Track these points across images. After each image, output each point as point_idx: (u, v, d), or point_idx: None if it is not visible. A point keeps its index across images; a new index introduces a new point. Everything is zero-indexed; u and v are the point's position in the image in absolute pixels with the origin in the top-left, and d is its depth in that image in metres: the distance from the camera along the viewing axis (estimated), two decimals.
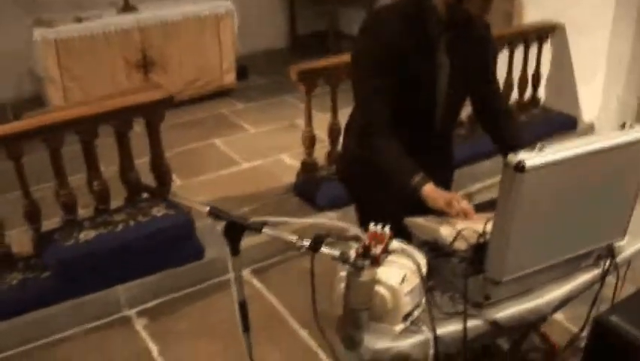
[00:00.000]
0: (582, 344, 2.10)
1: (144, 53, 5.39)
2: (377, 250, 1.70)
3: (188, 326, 3.26)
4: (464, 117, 4.41)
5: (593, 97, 5.02)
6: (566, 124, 5.03)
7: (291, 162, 4.78)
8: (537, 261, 1.83)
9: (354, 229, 1.71)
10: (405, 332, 1.76)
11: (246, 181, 4.55)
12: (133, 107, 3.29)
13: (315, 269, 1.67)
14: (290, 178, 4.40)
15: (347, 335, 1.74)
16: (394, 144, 2.16)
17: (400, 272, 1.72)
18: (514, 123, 2.46)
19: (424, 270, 1.78)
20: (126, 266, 3.26)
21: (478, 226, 1.96)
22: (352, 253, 1.68)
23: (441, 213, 2.07)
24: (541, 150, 1.60)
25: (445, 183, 2.56)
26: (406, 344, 1.75)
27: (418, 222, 2.04)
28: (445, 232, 1.93)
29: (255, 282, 3.57)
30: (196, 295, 3.46)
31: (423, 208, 2.12)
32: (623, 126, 1.76)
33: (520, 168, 1.55)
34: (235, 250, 1.65)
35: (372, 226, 1.78)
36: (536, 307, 1.92)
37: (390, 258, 1.75)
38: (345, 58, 4.00)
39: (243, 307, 1.74)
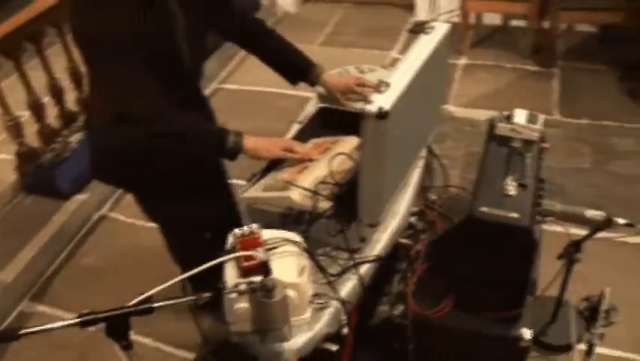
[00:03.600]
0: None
1: None
2: (261, 254, 1.53)
3: None
4: None
5: None
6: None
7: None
8: (397, 184, 1.83)
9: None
10: (315, 314, 1.67)
11: None
12: None
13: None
14: (9, 175, 3.74)
15: (270, 354, 1.60)
16: (182, 113, 1.86)
17: (292, 263, 1.59)
18: (271, 32, 2.26)
19: (305, 246, 1.67)
20: None
21: (319, 169, 1.86)
22: (234, 272, 1.51)
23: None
24: (385, 87, 1.53)
25: None
26: (322, 325, 1.67)
27: (261, 197, 1.87)
28: (296, 196, 1.79)
29: (41, 307, 3.09)
30: None
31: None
32: (424, 29, 1.75)
33: (382, 115, 1.46)
34: (127, 345, 1.34)
35: (237, 231, 1.59)
36: (401, 222, 1.95)
37: (271, 253, 1.59)
38: (18, 20, 3.42)
39: None
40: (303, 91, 2.35)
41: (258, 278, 1.47)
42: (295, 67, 2.23)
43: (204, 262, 1.47)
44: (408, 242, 2.15)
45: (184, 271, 1.89)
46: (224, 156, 1.89)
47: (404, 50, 4.55)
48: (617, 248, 2.95)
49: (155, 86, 1.80)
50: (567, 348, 2.50)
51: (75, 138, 3.75)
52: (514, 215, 1.75)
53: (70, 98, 3.98)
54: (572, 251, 2.20)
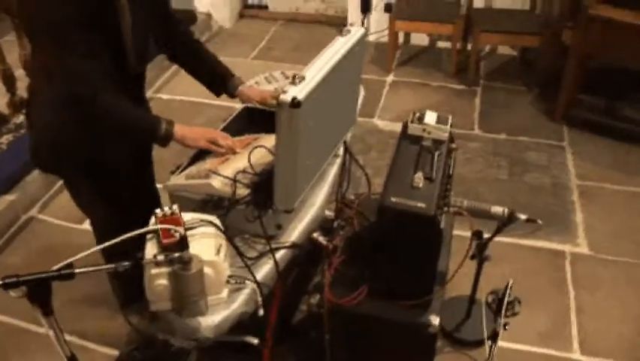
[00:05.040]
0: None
1: None
2: (179, 230, 1.62)
3: None
4: None
5: None
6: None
7: None
8: (312, 175, 1.94)
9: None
10: (231, 294, 1.76)
11: None
12: None
13: None
14: None
15: (188, 328, 1.68)
16: (122, 99, 1.97)
17: (210, 242, 1.68)
18: (202, 48, 2.40)
19: (223, 228, 1.76)
20: None
21: (240, 161, 1.97)
22: (154, 249, 1.59)
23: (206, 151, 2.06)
24: (300, 80, 1.65)
25: None
26: (238, 304, 1.76)
27: (183, 184, 1.96)
28: (217, 183, 1.89)
29: None
30: None
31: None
32: (341, 31, 1.89)
33: (296, 104, 1.58)
34: (48, 310, 1.41)
35: (158, 211, 1.68)
36: (317, 213, 2.06)
37: (190, 233, 1.68)
38: None
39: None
40: (233, 102, 2.44)
41: (176, 254, 1.56)
42: (215, 78, 2.34)
43: (127, 252, 1.56)
44: (328, 243, 2.25)
45: (107, 259, 1.98)
46: (156, 141, 1.99)
47: None
48: (521, 251, 3.17)
49: (98, 74, 1.90)
50: (479, 343, 2.66)
51: (5, 140, 3.74)
52: (421, 205, 1.88)
53: (2, 101, 3.96)
54: (482, 246, 2.35)
